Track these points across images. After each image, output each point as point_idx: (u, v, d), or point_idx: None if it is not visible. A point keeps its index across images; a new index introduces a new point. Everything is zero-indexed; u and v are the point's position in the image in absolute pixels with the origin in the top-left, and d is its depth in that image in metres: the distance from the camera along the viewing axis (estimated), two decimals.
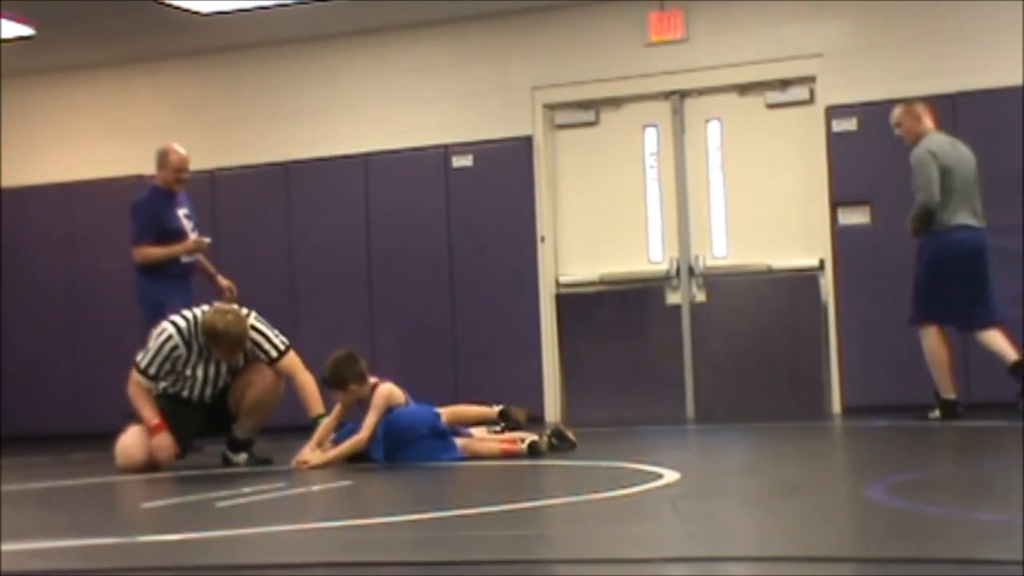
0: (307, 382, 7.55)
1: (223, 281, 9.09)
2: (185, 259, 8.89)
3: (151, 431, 7.30)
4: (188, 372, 7.43)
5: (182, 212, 8.92)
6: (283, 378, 7.56)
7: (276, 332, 7.59)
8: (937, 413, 8.57)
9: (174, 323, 7.41)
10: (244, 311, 7.52)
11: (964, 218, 8.57)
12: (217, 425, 7.62)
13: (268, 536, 4.48)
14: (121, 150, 12.18)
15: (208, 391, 7.51)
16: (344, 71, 11.67)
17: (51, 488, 6.89)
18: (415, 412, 7.14)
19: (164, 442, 7.29)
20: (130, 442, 7.40)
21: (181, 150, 8.99)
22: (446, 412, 7.18)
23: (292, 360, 7.58)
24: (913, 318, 8.68)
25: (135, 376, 7.39)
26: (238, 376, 7.52)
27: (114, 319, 11.37)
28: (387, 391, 7.11)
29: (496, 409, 7.50)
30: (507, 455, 6.94)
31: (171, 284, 8.77)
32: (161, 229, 8.79)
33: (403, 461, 6.91)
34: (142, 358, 7.39)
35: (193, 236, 8.89)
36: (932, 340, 8.56)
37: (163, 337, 7.37)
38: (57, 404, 11.84)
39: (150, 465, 7.32)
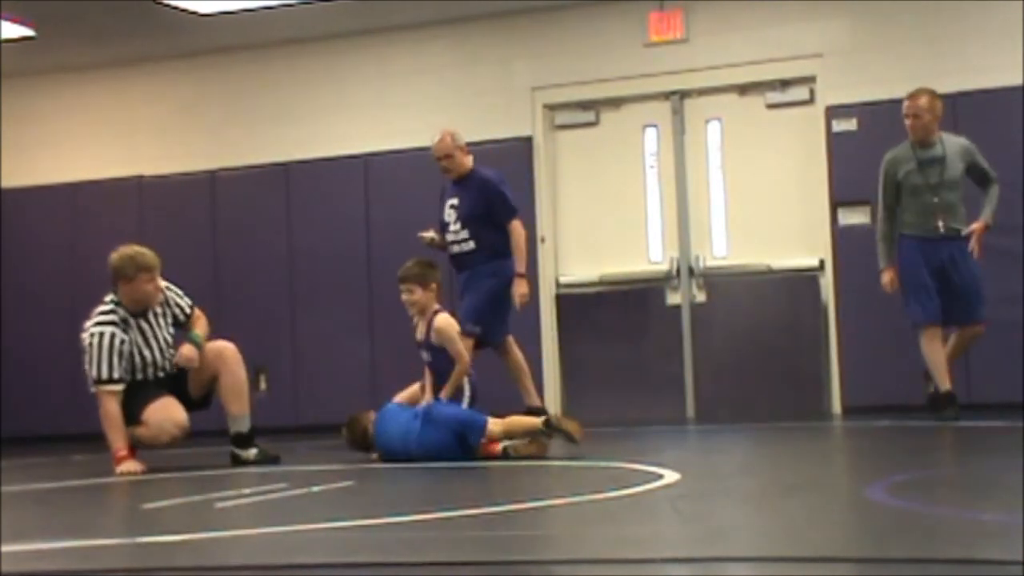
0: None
1: (517, 289, 8.70)
2: (453, 250, 8.78)
3: (117, 461, 7.28)
4: (137, 354, 7.45)
5: (450, 203, 8.84)
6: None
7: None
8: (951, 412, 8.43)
9: (95, 324, 7.41)
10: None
11: None
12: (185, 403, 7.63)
13: (268, 536, 4.47)
14: (121, 150, 12.19)
15: (161, 359, 7.52)
16: (345, 71, 11.67)
17: (51, 488, 6.88)
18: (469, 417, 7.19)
19: (129, 468, 7.22)
20: (168, 411, 7.39)
21: (437, 137, 8.92)
22: (500, 423, 7.14)
23: (199, 317, 7.68)
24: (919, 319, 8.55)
25: (103, 391, 7.33)
26: (198, 369, 7.53)
27: None
28: (449, 319, 7.51)
29: (541, 420, 7.24)
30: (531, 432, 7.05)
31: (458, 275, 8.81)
32: (439, 220, 8.86)
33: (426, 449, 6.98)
34: (96, 371, 7.33)
35: (453, 228, 8.76)
36: (935, 343, 8.48)
37: (97, 339, 7.35)
38: (57, 404, 11.82)
39: (184, 436, 7.39)
